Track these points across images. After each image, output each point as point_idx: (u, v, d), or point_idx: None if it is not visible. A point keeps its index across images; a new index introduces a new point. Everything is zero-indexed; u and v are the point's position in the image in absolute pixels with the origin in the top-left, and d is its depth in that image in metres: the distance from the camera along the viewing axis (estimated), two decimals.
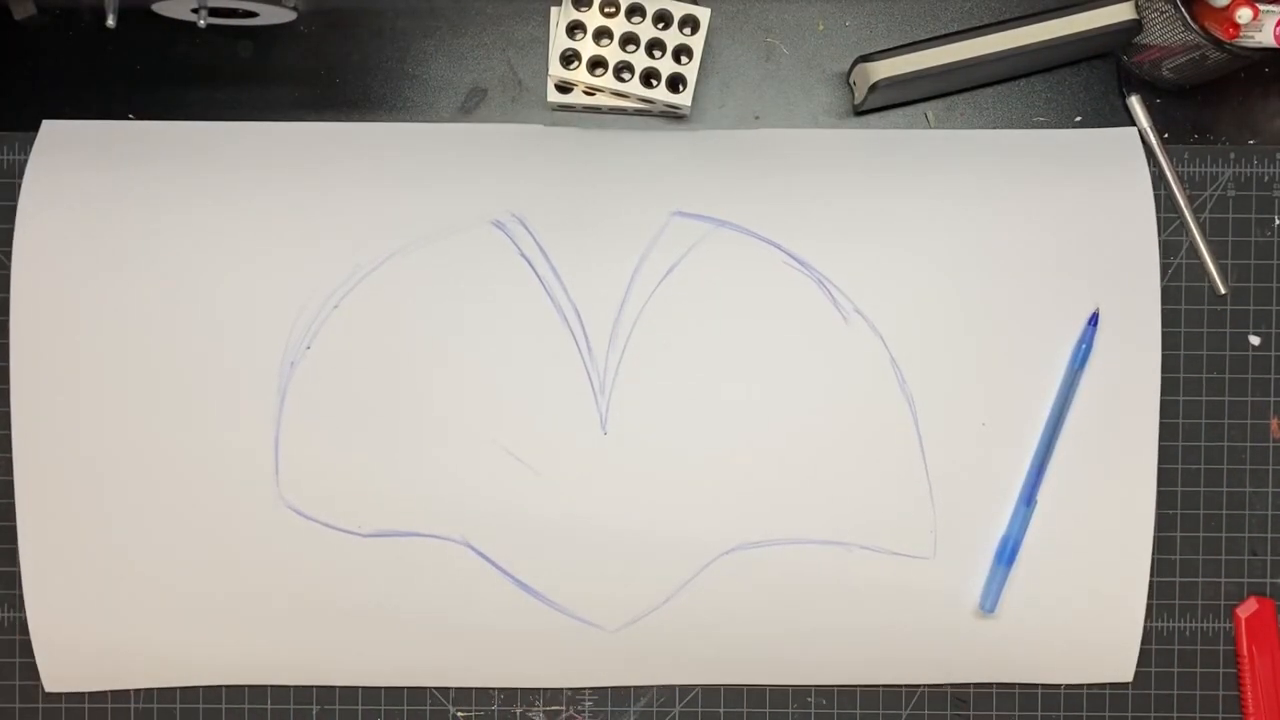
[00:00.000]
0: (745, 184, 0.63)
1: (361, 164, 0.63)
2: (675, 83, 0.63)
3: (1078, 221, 0.63)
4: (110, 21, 0.60)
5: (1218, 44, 0.59)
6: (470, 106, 0.65)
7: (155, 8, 0.62)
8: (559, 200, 0.62)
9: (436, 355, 0.61)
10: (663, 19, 0.62)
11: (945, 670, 0.63)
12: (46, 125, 0.64)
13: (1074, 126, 0.66)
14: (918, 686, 0.64)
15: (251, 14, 0.63)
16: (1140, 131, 0.65)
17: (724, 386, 0.62)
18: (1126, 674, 0.64)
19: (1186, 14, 0.59)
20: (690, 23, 0.62)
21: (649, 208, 0.62)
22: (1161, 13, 0.61)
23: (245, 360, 0.61)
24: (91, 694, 0.63)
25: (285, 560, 0.61)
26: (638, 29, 0.62)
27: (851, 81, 0.65)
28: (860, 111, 0.65)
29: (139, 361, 0.61)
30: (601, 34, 0.62)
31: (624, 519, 0.61)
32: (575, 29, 0.62)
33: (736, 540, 0.61)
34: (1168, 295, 0.64)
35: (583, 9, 0.62)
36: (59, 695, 0.63)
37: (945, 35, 0.62)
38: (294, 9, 0.63)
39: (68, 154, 0.63)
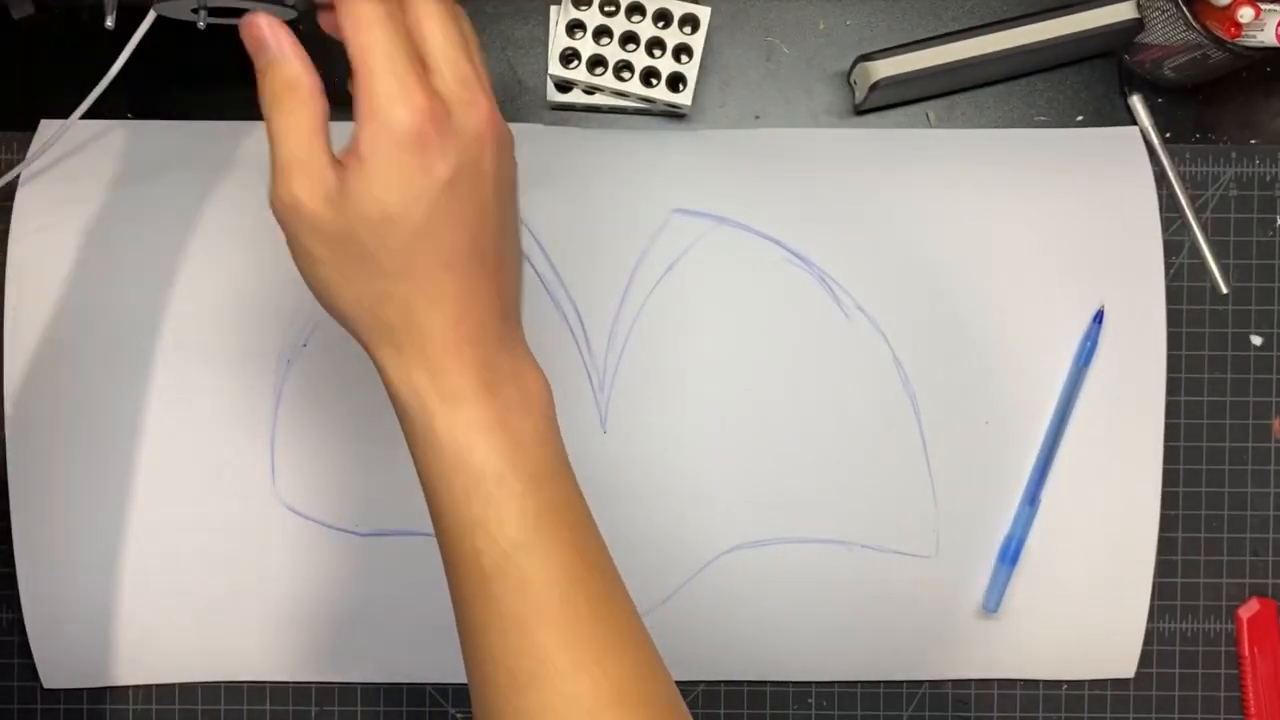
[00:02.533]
0: (745, 182, 0.62)
1: None
2: (675, 82, 0.62)
3: (1079, 220, 0.63)
4: (109, 22, 0.60)
5: (1219, 43, 0.59)
6: None
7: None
8: (558, 198, 0.62)
9: None
10: (663, 18, 0.62)
11: (947, 668, 0.63)
12: (45, 125, 0.64)
13: (1075, 126, 0.65)
14: (919, 685, 0.64)
15: None
16: (1142, 131, 0.65)
17: (724, 384, 0.61)
18: (1128, 669, 0.63)
19: (1188, 13, 0.59)
20: (690, 22, 0.62)
21: (648, 205, 0.62)
22: (1163, 12, 0.61)
23: (241, 358, 0.61)
24: (90, 693, 0.63)
25: (282, 559, 0.61)
26: (638, 28, 0.62)
27: (852, 81, 0.65)
28: (861, 111, 0.65)
29: (135, 360, 0.61)
30: (601, 33, 0.62)
31: (624, 517, 0.61)
32: (575, 28, 0.62)
33: (737, 539, 0.61)
34: (1169, 295, 0.63)
35: (582, 8, 0.62)
36: (58, 694, 0.63)
37: (946, 34, 0.62)
38: (294, 9, 0.63)
39: (67, 154, 0.63)
